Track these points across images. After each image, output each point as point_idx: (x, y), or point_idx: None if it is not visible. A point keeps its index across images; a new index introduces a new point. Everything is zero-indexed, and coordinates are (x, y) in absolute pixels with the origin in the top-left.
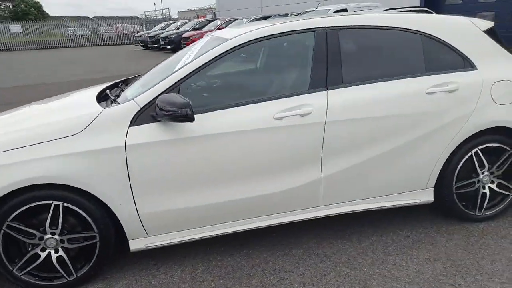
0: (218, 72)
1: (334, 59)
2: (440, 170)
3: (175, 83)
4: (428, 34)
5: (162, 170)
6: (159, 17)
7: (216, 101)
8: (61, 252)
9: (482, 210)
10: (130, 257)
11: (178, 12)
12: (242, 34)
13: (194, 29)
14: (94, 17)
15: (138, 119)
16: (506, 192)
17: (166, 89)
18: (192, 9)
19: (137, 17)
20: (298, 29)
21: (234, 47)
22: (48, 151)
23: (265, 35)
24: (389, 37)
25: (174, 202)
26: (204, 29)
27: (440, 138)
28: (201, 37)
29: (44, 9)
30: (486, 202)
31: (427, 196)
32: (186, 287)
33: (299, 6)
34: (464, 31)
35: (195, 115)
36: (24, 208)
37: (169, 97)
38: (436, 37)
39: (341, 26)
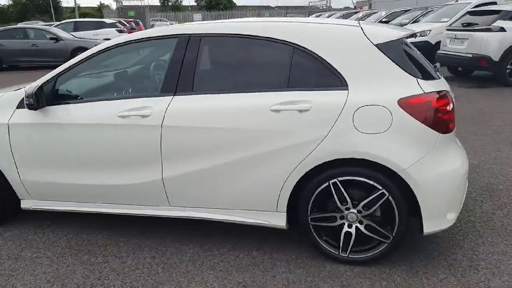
0: (93, 69)
1: (188, 67)
2: (292, 196)
3: (52, 77)
4: (301, 46)
5: (31, 147)
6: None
7: (81, 95)
8: None
9: (348, 252)
10: (41, 215)
11: (356, 2)
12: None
13: None
14: (276, 6)
15: (23, 103)
16: (379, 238)
17: (45, 81)
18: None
19: (304, 7)
20: (165, 34)
21: (99, 50)
22: None
23: (119, 42)
24: (255, 47)
25: (44, 176)
26: None
27: (284, 160)
28: None
29: None
30: (351, 243)
31: (278, 221)
32: (41, 247)
33: None
34: (347, 44)
35: (60, 105)
36: None
37: (30, 88)
38: (309, 49)
39: (204, 33)
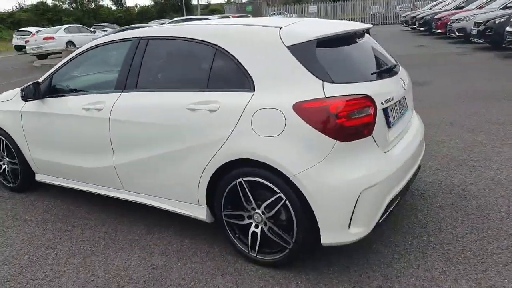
0: (78, 68)
1: (135, 66)
2: (208, 191)
3: (50, 74)
4: (221, 47)
5: (33, 130)
6: None
7: (67, 90)
8: (4, 167)
9: (256, 252)
10: (57, 187)
11: None
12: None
13: (457, 8)
14: None
15: None
16: (281, 243)
17: (45, 78)
18: None
19: None
20: (126, 37)
21: (82, 51)
22: None
23: (95, 44)
24: (186, 49)
25: (43, 154)
26: (467, 8)
27: (198, 157)
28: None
29: None
30: (257, 243)
31: (200, 213)
32: (38, 213)
33: None
34: (260, 46)
35: (51, 98)
36: None
37: (29, 83)
38: (227, 51)
39: (151, 36)
